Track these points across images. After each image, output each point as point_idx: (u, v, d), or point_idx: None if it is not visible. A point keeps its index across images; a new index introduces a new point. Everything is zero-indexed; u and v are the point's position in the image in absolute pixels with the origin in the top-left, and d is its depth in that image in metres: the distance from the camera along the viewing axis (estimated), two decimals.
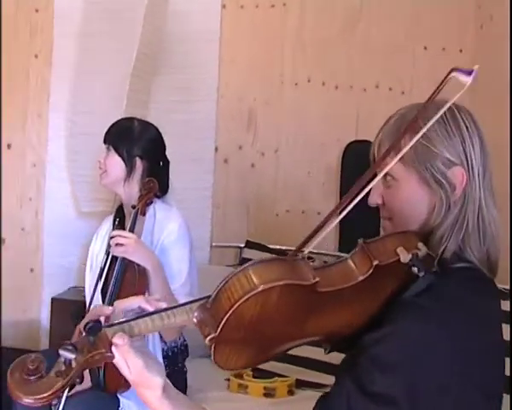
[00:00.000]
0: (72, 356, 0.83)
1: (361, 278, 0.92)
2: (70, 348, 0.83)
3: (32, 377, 0.82)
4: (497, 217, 1.03)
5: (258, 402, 2.28)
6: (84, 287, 2.25)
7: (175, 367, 2.17)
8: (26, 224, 3.12)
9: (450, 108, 0.99)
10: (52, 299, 2.84)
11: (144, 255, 1.96)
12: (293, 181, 3.15)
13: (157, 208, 2.13)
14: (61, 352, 0.83)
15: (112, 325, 0.90)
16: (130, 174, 2.13)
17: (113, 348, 0.88)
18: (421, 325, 0.91)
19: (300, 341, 0.98)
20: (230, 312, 0.84)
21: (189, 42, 3.05)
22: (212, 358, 0.91)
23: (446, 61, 2.96)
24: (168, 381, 0.97)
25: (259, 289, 0.84)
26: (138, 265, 1.95)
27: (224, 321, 0.85)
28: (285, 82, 3.15)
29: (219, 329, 0.85)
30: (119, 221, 2.13)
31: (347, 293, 0.92)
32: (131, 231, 1.99)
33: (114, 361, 0.89)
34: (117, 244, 1.93)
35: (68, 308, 2.80)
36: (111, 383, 1.95)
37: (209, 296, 0.90)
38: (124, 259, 1.96)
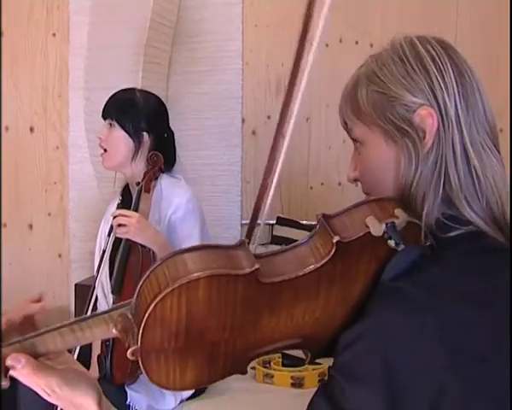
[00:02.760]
0: None
1: (321, 262, 0.71)
2: None
3: None
4: (498, 165, 0.81)
5: (284, 393, 2.11)
6: None
7: None
8: (51, 208, 3.03)
9: (410, 41, 0.82)
10: (76, 285, 2.76)
11: (148, 236, 1.80)
12: (328, 151, 2.93)
13: (163, 183, 1.97)
14: None
15: (8, 344, 0.73)
16: (137, 151, 1.96)
17: (12, 372, 0.71)
18: (399, 316, 0.71)
19: (262, 348, 0.79)
20: (146, 317, 0.67)
21: (209, 7, 2.86)
22: (147, 377, 0.73)
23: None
24: (102, 394, 0.80)
25: (175, 284, 0.66)
26: (143, 246, 1.80)
27: (142, 329, 0.68)
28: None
29: (140, 338, 0.68)
30: (123, 201, 1.98)
31: (306, 282, 0.72)
32: (135, 209, 1.84)
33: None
34: (119, 225, 1.78)
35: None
36: (118, 375, 1.84)
37: (131, 301, 0.73)
38: (127, 240, 1.82)
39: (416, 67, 0.81)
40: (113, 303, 1.90)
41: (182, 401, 2.00)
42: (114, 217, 1.82)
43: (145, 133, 1.97)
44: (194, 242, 1.92)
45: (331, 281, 0.74)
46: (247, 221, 2.92)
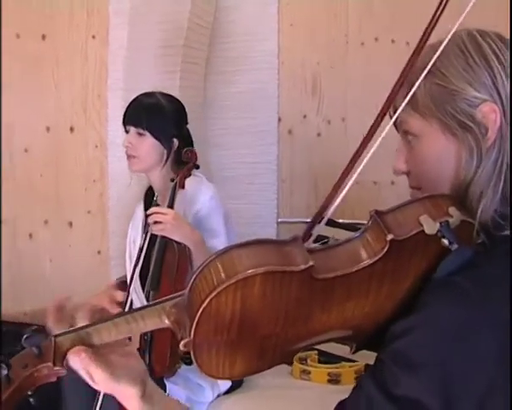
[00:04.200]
0: (3, 372, 0.71)
1: (374, 258, 0.72)
2: None
3: None
4: None
5: (321, 389, 2.12)
6: None
7: None
8: (91, 206, 3.10)
9: (471, 34, 0.80)
10: (116, 280, 2.80)
11: (184, 232, 1.84)
12: (363, 150, 2.92)
13: (187, 181, 2.01)
14: None
15: (64, 333, 0.76)
16: (168, 157, 2.00)
17: (70, 360, 0.74)
18: (455, 309, 0.71)
19: (310, 340, 0.81)
20: (201, 311, 0.69)
21: (245, 7, 2.89)
22: (197, 367, 0.76)
23: None
24: (152, 387, 0.83)
25: (232, 280, 0.67)
26: (178, 243, 1.83)
27: (195, 322, 0.70)
28: (350, 42, 2.91)
29: (193, 331, 0.70)
30: (155, 200, 2.02)
31: (358, 278, 0.73)
32: (171, 206, 1.87)
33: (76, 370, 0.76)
34: (155, 222, 1.81)
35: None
36: (157, 368, 1.87)
37: (184, 293, 0.75)
38: (163, 237, 1.85)
39: (478, 61, 0.80)
40: (148, 301, 1.94)
41: (219, 395, 2.03)
42: (150, 214, 1.85)
43: (175, 139, 2.00)
44: (220, 238, 1.95)
45: (382, 277, 0.75)
46: (284, 219, 2.94)
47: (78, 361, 0.75)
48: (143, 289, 1.95)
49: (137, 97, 2.04)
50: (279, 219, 2.96)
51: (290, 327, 0.75)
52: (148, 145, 1.97)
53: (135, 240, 2.06)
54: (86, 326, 0.77)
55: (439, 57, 0.81)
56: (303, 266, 0.70)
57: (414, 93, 0.82)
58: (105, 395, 1.71)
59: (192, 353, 0.73)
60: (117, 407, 1.69)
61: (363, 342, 0.85)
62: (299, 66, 2.95)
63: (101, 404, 1.71)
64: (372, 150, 0.82)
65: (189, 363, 1.91)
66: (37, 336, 0.75)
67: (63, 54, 3.10)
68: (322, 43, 2.93)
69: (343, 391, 2.28)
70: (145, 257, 1.94)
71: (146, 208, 2.03)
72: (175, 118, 2.02)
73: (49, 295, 3.20)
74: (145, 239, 1.92)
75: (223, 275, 0.69)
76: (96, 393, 1.73)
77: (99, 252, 3.10)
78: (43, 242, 3.19)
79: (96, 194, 3.08)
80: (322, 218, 0.85)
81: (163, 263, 1.90)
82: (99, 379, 0.76)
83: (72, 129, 3.09)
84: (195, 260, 1.84)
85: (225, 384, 2.03)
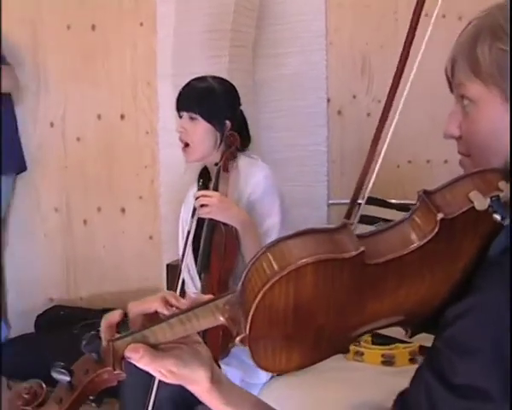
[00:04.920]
0: (66, 378, 0.72)
1: (424, 240, 0.70)
2: (62, 370, 0.72)
3: (29, 407, 0.72)
4: None
5: (375, 371, 2.09)
6: None
7: None
8: (143, 192, 3.14)
9: None
10: (167, 265, 2.84)
11: (231, 214, 1.84)
12: (416, 129, 2.86)
13: (241, 163, 2.00)
14: (54, 374, 0.72)
15: (120, 337, 0.77)
16: (222, 140, 1.99)
17: (132, 359, 0.75)
18: (505, 293, 0.68)
19: (365, 327, 0.79)
20: (255, 305, 0.68)
21: None
22: (254, 362, 0.75)
23: None
24: (219, 371, 0.83)
25: (283, 272, 0.66)
26: (225, 224, 1.84)
27: (250, 317, 0.69)
28: (400, 20, 2.84)
29: (248, 326, 0.69)
30: (204, 182, 2.02)
31: (409, 261, 0.71)
32: (215, 189, 1.88)
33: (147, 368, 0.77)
34: (202, 205, 1.82)
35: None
36: (211, 348, 1.88)
37: (237, 289, 0.75)
38: (210, 220, 1.86)
39: None
40: (201, 283, 1.95)
41: (273, 376, 2.03)
42: (196, 198, 1.86)
43: (227, 121, 2.00)
44: (275, 218, 1.94)
45: (435, 258, 0.73)
46: (334, 201, 2.90)
47: (140, 359, 0.75)
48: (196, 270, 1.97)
49: (189, 82, 2.04)
50: (330, 201, 2.93)
51: (345, 316, 0.74)
52: (202, 129, 1.97)
53: (187, 221, 2.07)
54: (141, 329, 0.77)
55: (505, 19, 0.77)
56: (354, 253, 0.68)
57: (476, 57, 0.79)
58: (159, 383, 1.73)
59: (249, 348, 0.72)
60: (170, 395, 1.73)
61: (420, 325, 0.83)
62: (347, 46, 2.91)
63: (156, 392, 1.72)
64: (390, 131, 0.77)
65: None
66: (95, 341, 0.75)
67: (113, 43, 3.15)
68: (370, 23, 2.88)
69: (397, 373, 2.24)
70: (195, 239, 1.96)
71: (200, 185, 2.04)
72: (227, 100, 2.02)
73: (103, 280, 3.27)
74: (192, 222, 1.93)
75: (274, 267, 0.68)
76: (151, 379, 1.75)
77: (151, 237, 3.14)
78: (97, 228, 3.26)
79: (147, 180, 3.12)
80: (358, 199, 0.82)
81: (211, 245, 1.91)
82: (167, 370, 0.77)
83: (122, 116, 3.14)
84: (243, 240, 1.85)
85: None
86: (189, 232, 1.94)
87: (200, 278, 1.96)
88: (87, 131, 3.22)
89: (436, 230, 0.70)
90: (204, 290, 1.92)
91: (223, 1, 2.61)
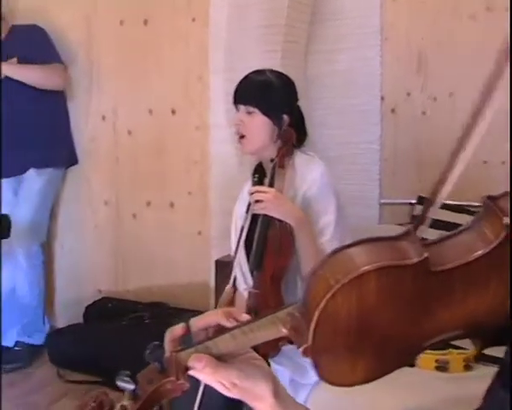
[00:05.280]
0: (130, 387, 0.72)
1: (491, 246, 0.66)
2: (126, 378, 0.72)
3: None
4: None
5: (429, 376, 2.04)
6: None
7: None
8: (192, 187, 3.15)
9: None
10: (216, 261, 2.84)
11: (286, 210, 1.81)
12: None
13: (297, 160, 1.96)
14: (118, 383, 0.72)
15: (183, 348, 0.76)
16: (278, 135, 1.97)
17: (192, 372, 0.75)
18: None
19: (432, 339, 0.75)
20: (318, 314, 0.66)
21: None
22: (318, 375, 0.73)
23: None
24: (282, 387, 0.81)
25: (345, 280, 0.65)
26: (280, 221, 1.81)
27: (313, 326, 0.67)
28: (458, 14, 2.76)
29: (311, 336, 0.68)
30: (259, 178, 2.00)
31: (476, 268, 0.67)
32: (271, 185, 1.85)
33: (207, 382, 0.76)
34: (257, 201, 1.80)
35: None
36: (262, 349, 1.86)
37: (298, 300, 0.73)
38: (265, 216, 1.83)
39: None
40: (254, 280, 1.93)
41: None
42: (251, 193, 1.84)
43: (285, 115, 1.97)
44: (330, 216, 1.91)
45: (502, 266, 0.68)
46: (386, 200, 2.84)
47: (201, 370, 0.74)
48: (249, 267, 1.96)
49: (247, 76, 2.02)
50: (381, 200, 2.88)
51: (409, 326, 0.71)
52: (259, 123, 1.95)
53: (241, 217, 2.06)
54: (203, 341, 0.77)
55: None
56: (417, 259, 0.66)
57: None
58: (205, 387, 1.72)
59: (312, 360, 0.71)
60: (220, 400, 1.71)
61: (491, 339, 0.79)
62: (403, 42, 2.84)
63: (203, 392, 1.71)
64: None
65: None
66: (159, 351, 0.75)
67: (165, 38, 3.16)
68: (426, 18, 2.81)
69: (451, 379, 2.18)
70: (248, 236, 1.94)
71: (256, 180, 2.02)
72: (284, 94, 1.99)
73: (151, 274, 3.29)
74: (247, 218, 1.92)
75: (336, 275, 0.66)
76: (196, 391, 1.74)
77: (200, 232, 3.14)
78: (146, 222, 3.28)
79: (197, 175, 3.13)
80: (435, 201, 0.79)
81: (266, 241, 1.89)
82: (230, 382, 0.75)
83: (173, 111, 3.15)
84: (298, 237, 1.82)
85: None
86: (242, 228, 1.92)
87: (252, 275, 1.94)
88: (138, 125, 3.25)
89: (503, 235, 0.66)
90: (256, 288, 1.90)
91: None
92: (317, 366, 0.71)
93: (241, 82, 2.00)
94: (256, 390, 0.77)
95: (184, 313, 3.08)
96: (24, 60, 3.13)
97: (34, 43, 3.16)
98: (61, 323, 3.34)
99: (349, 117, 2.84)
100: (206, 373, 0.74)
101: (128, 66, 3.26)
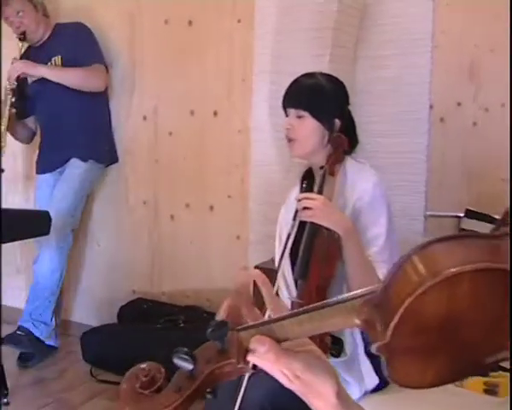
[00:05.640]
0: (188, 367, 0.65)
1: None
2: (185, 356, 0.66)
3: (146, 391, 0.66)
4: None
5: (476, 399, 1.95)
6: None
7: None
8: (232, 191, 3.10)
9: None
10: (255, 267, 2.79)
11: (334, 219, 1.74)
12: None
13: (348, 167, 1.90)
14: (176, 361, 0.66)
15: (247, 327, 0.69)
16: (329, 140, 1.91)
17: (251, 357, 0.68)
18: None
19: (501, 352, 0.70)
20: (401, 312, 0.60)
21: None
22: (387, 373, 0.67)
23: None
24: (345, 388, 0.75)
25: (437, 278, 0.59)
26: (328, 230, 1.75)
27: (394, 324, 0.61)
28: None
29: (390, 333, 0.62)
30: (308, 184, 1.94)
31: None
32: (320, 192, 1.78)
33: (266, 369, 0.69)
34: (304, 208, 1.74)
35: (271, 277, 2.74)
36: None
37: (376, 290, 0.66)
38: (312, 224, 1.77)
39: None
40: (298, 290, 1.87)
41: (366, 393, 1.93)
42: (299, 200, 1.78)
43: (337, 119, 1.92)
44: (380, 229, 1.84)
45: None
46: (432, 213, 2.73)
47: (264, 354, 0.67)
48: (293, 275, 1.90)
49: (298, 79, 1.97)
50: (427, 213, 2.79)
51: (495, 334, 0.65)
52: (309, 127, 1.89)
53: (287, 224, 2.00)
54: (268, 322, 0.70)
55: None
56: None
57: None
58: (248, 384, 1.67)
59: (384, 358, 0.64)
60: (258, 399, 1.66)
61: None
62: (454, 49, 2.75)
63: (244, 394, 1.67)
64: None
65: (336, 355, 1.83)
66: (223, 329, 0.68)
67: (209, 39, 3.12)
68: (480, 25, 2.71)
69: (500, 404, 2.08)
70: (294, 244, 1.88)
71: (304, 187, 1.97)
72: (336, 98, 1.93)
73: (186, 277, 3.26)
74: (293, 226, 1.85)
75: (426, 273, 0.60)
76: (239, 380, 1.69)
77: (238, 237, 3.10)
78: (184, 224, 3.25)
79: (237, 179, 3.08)
80: None
81: (312, 250, 1.83)
82: (293, 373, 0.68)
83: (215, 113, 3.11)
84: (345, 248, 1.76)
85: (372, 382, 1.93)
86: (289, 235, 1.86)
87: (296, 284, 1.88)
88: (179, 126, 3.22)
89: None
90: (300, 298, 1.84)
91: (325, 1, 2.51)
92: (388, 365, 0.65)
93: (291, 85, 1.95)
94: (319, 387, 0.69)
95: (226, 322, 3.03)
96: (67, 59, 3.16)
97: (78, 43, 3.18)
98: (96, 322, 3.33)
99: (396, 125, 2.76)
100: (267, 359, 0.67)
101: (171, 66, 3.24)
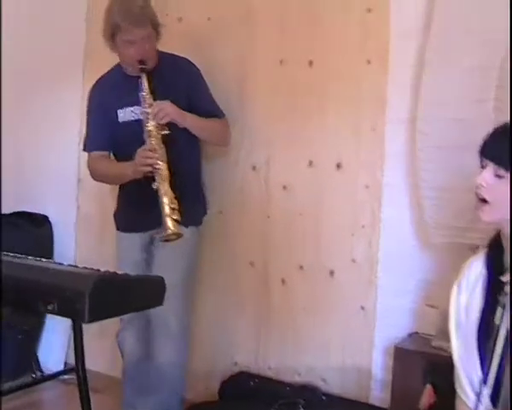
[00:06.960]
0: None
1: None
2: None
3: None
4: None
5: None
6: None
7: None
8: (357, 254, 2.69)
9: None
10: (395, 347, 2.37)
11: None
12: None
13: None
14: None
15: None
16: None
17: None
18: None
19: None
20: None
21: None
22: None
23: None
24: None
25: None
26: None
27: None
28: None
29: None
30: (494, 254, 1.52)
31: None
32: None
33: None
34: None
35: (412, 360, 2.33)
36: None
37: None
38: None
39: None
40: None
41: None
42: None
43: None
44: None
45: None
46: None
47: None
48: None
49: (496, 132, 1.57)
50: None
51: None
52: (508, 191, 1.50)
53: (467, 307, 1.59)
54: None
55: None
56: None
57: None
58: None
59: None
60: None
61: None
62: None
63: None
64: None
65: None
66: None
67: (332, 81, 2.77)
68: None
69: None
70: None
71: (490, 265, 1.56)
72: None
73: (298, 350, 2.85)
74: (503, 316, 1.43)
75: None
76: None
77: (362, 308, 2.67)
78: (297, 289, 2.86)
79: (363, 241, 2.67)
80: None
81: None
82: None
83: (339, 165, 2.73)
84: None
85: None
86: (498, 327, 1.44)
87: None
88: (295, 179, 2.86)
89: None
90: None
91: (496, 32, 2.12)
92: None
93: (492, 136, 1.56)
94: None
95: (339, 402, 2.62)
96: (187, 104, 2.68)
97: (197, 89, 2.77)
98: (194, 397, 2.94)
99: None
100: None
101: (286, 110, 2.89)
